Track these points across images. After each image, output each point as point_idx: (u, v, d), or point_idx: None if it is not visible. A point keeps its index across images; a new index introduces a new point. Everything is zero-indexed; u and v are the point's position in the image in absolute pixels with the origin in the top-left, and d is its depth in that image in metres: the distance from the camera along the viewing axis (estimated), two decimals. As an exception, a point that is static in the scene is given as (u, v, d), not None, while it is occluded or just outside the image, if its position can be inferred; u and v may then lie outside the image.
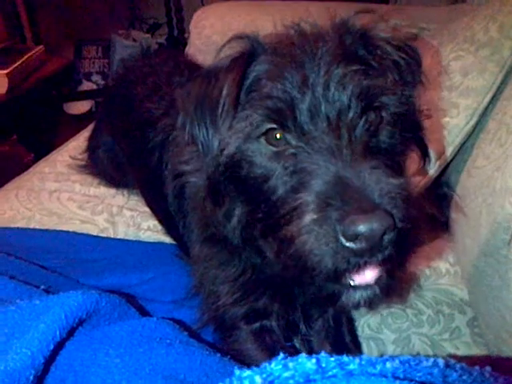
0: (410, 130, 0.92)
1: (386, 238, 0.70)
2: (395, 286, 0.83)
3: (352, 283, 0.78)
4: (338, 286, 0.79)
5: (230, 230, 0.98)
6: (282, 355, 0.56)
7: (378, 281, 0.78)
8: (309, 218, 0.73)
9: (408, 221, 0.73)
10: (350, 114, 0.82)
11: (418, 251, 0.80)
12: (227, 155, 0.87)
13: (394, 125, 0.88)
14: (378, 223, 0.68)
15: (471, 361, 0.63)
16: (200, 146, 0.91)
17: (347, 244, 0.70)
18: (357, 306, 0.80)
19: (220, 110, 0.87)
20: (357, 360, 0.54)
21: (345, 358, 0.55)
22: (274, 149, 0.84)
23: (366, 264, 0.74)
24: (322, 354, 0.55)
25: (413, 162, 1.03)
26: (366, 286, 0.78)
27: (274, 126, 0.84)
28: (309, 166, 0.78)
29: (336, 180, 0.74)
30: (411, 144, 0.97)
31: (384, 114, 0.87)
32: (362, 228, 0.68)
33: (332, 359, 0.54)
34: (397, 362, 0.56)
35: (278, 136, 0.84)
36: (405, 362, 0.56)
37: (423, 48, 1.04)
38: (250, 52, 0.91)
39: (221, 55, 0.95)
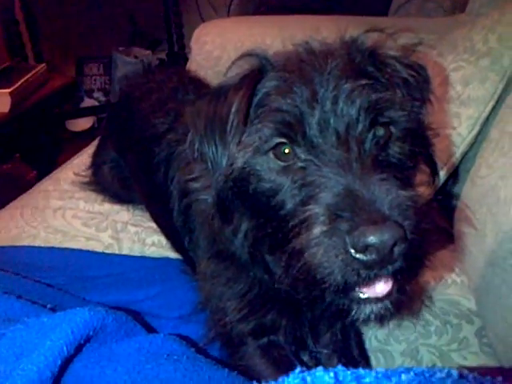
0: (419, 146, 0.92)
1: (397, 249, 0.70)
2: (406, 300, 0.82)
3: (362, 296, 0.77)
4: (348, 300, 0.78)
5: (238, 246, 0.98)
6: (299, 369, 0.56)
7: (388, 295, 0.77)
8: (318, 229, 0.73)
9: (419, 233, 0.72)
10: (359, 128, 0.83)
11: (429, 264, 0.79)
12: (236, 169, 0.87)
13: (403, 140, 0.88)
14: (389, 234, 0.68)
15: (482, 372, 0.62)
16: (209, 163, 0.91)
17: (357, 256, 0.70)
18: (367, 320, 0.80)
19: (229, 127, 0.87)
20: (373, 373, 0.54)
21: (361, 371, 0.55)
22: (282, 163, 0.84)
23: (376, 277, 0.73)
24: (339, 367, 0.55)
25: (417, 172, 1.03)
26: (377, 300, 0.77)
27: (283, 140, 0.84)
28: (318, 179, 0.78)
29: (346, 192, 0.74)
30: (420, 160, 0.97)
31: (393, 129, 0.87)
32: (372, 239, 0.68)
33: (349, 372, 0.54)
34: (411, 373, 0.56)
35: (286, 151, 0.84)
36: (419, 374, 0.56)
37: (423, 59, 1.05)
38: (259, 69, 0.92)
39: (230, 73, 0.95)
